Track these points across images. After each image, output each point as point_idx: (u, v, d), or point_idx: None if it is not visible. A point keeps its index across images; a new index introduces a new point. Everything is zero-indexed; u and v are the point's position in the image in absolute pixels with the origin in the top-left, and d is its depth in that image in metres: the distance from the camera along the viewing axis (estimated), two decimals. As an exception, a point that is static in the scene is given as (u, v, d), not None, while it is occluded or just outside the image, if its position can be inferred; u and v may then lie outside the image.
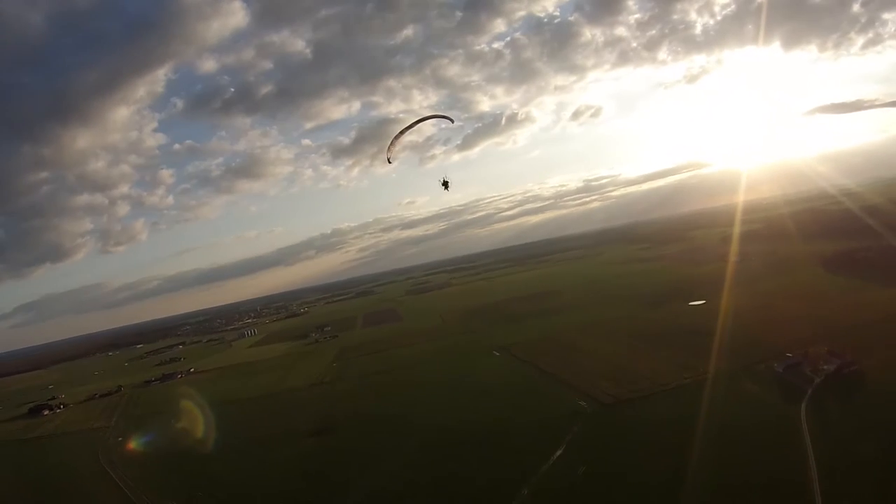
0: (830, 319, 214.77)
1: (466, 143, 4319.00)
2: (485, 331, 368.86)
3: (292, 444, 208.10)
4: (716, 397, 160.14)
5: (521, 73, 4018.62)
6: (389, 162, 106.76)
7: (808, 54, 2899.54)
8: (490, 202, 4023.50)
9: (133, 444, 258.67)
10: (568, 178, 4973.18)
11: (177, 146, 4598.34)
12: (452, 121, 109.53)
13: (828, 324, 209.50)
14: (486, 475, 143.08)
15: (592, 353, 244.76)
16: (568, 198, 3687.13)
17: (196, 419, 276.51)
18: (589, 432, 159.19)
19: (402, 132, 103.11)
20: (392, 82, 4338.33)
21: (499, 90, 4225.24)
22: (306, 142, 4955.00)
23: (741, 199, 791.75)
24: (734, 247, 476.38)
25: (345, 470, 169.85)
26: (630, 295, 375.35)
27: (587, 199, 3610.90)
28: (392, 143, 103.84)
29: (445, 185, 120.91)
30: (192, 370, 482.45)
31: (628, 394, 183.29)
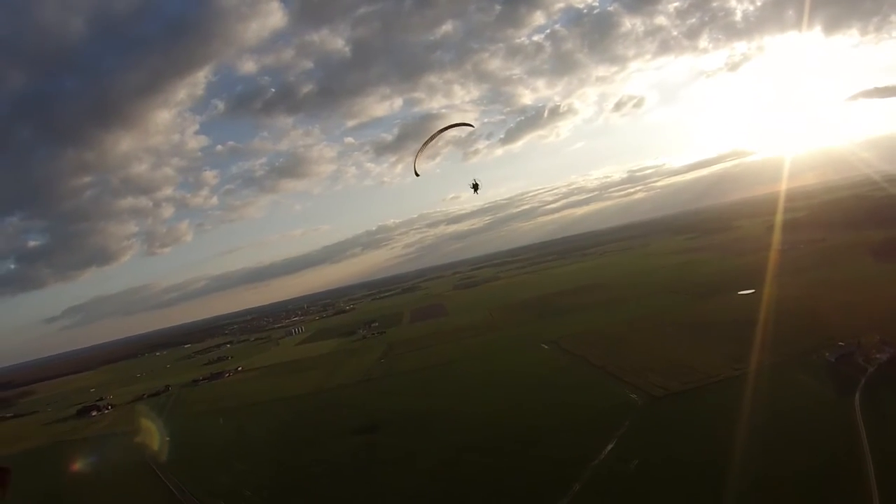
0: (881, 308, 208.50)
1: (509, 137, 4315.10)
2: (532, 324, 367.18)
3: (339, 441, 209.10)
4: (767, 388, 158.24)
5: (561, 65, 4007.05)
6: (417, 175, 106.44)
7: (850, 39, 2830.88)
8: (534, 195, 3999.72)
9: (178, 443, 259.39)
10: (612, 170, 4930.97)
11: (219, 147, 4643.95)
12: (473, 126, 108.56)
13: (879, 312, 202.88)
14: (536, 471, 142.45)
15: (641, 346, 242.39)
16: (612, 189, 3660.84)
17: (242, 418, 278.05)
18: (640, 425, 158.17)
19: (425, 144, 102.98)
20: (433, 78, 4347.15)
21: (540, 83, 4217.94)
22: (349, 140, 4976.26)
23: (784, 186, 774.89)
24: (777, 235, 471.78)
25: (389, 468, 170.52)
26: (677, 286, 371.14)
27: (632, 190, 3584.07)
28: (418, 155, 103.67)
29: (475, 187, 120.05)
30: (239, 368, 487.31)
31: (679, 386, 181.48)
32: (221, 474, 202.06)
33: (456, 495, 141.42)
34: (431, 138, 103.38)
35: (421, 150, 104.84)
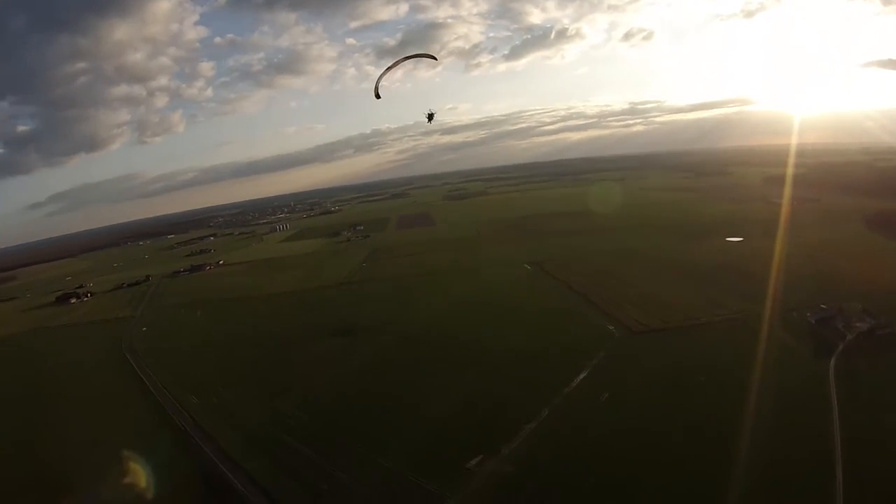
0: (867, 277, 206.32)
1: (514, 54, 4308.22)
2: (518, 243, 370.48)
3: (316, 342, 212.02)
4: (745, 339, 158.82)
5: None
6: (378, 97, 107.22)
7: (871, 6, 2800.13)
8: (532, 115, 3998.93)
9: (155, 334, 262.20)
10: (613, 99, 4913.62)
11: (218, 39, 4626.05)
12: (435, 58, 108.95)
13: (864, 281, 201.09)
14: (508, 392, 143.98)
15: (624, 279, 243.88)
16: (612, 118, 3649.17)
17: (221, 312, 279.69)
18: (616, 358, 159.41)
19: (388, 69, 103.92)
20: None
21: (550, 3, 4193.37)
22: (351, 41, 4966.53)
23: (791, 141, 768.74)
24: (776, 189, 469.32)
25: (364, 374, 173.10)
26: (667, 224, 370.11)
27: (631, 122, 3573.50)
28: (379, 79, 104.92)
29: (430, 117, 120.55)
30: (221, 262, 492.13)
31: (658, 324, 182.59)
32: (195, 367, 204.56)
33: (425, 408, 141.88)
34: (394, 65, 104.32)
35: (383, 74, 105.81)
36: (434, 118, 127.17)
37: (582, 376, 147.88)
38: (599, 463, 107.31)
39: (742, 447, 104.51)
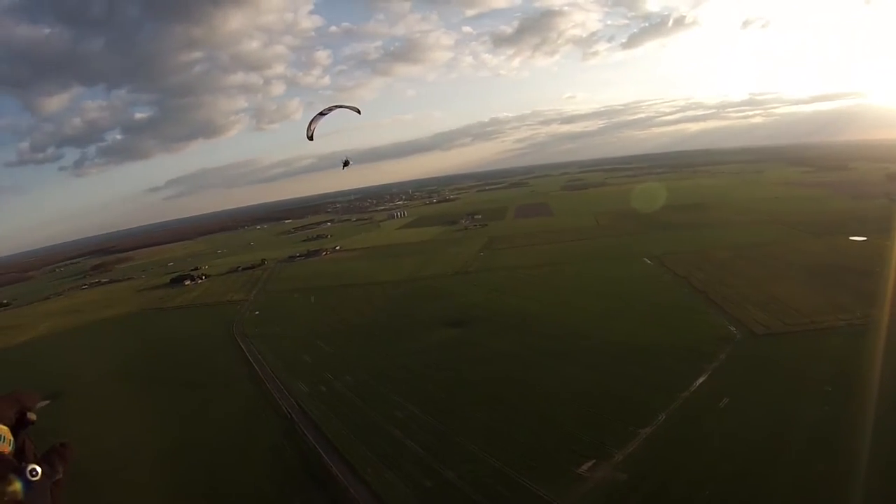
0: None
1: (631, 42, 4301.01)
2: (637, 236, 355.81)
3: (429, 331, 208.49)
4: (873, 346, 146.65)
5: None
6: (310, 139, 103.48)
7: None
8: (651, 105, 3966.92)
9: (267, 318, 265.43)
10: (732, 89, 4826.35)
11: (333, 28, 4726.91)
12: (359, 112, 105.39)
13: None
14: (624, 394, 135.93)
15: (745, 277, 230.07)
16: (731, 109, 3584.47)
17: (335, 298, 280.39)
18: (736, 361, 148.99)
19: (320, 114, 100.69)
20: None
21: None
22: (467, 29, 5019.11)
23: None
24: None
25: (476, 366, 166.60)
26: (788, 220, 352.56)
27: (750, 114, 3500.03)
28: (312, 123, 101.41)
29: (345, 164, 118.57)
30: (337, 248, 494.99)
31: (781, 326, 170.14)
32: (305, 353, 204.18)
33: (539, 405, 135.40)
34: (325, 112, 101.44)
35: (315, 119, 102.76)
36: (349, 165, 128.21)
37: (701, 379, 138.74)
38: (717, 474, 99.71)
39: (871, 463, 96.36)
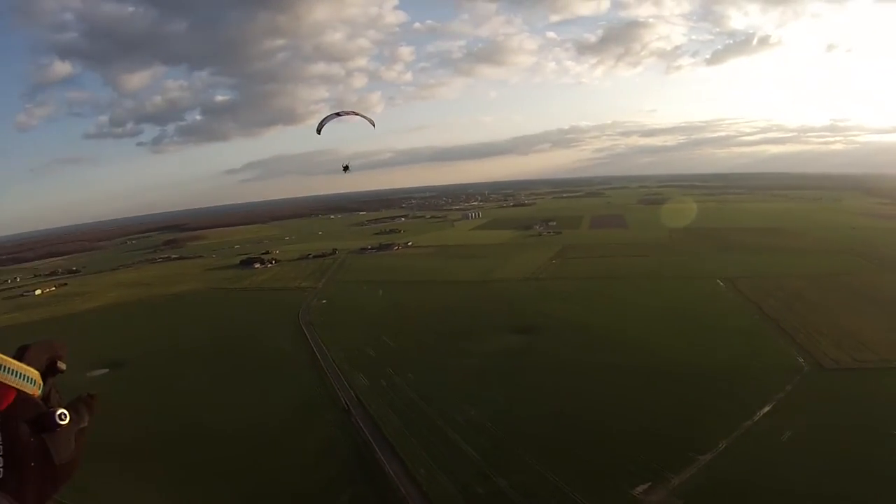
0: None
1: (715, 59, 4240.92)
2: (711, 256, 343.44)
3: (495, 336, 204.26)
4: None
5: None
6: (318, 133, 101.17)
7: None
8: (732, 124, 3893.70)
9: (333, 308, 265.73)
10: (813, 114, 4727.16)
11: (417, 25, 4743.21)
12: (374, 125, 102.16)
13: None
14: (685, 415, 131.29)
15: (818, 307, 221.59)
16: (811, 134, 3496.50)
17: (402, 293, 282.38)
18: (802, 394, 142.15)
19: (335, 114, 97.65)
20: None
21: (754, 7, 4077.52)
22: (551, 34, 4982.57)
23: None
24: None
25: (540, 376, 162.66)
26: (864, 251, 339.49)
27: (831, 140, 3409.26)
28: (325, 120, 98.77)
29: (345, 168, 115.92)
30: (409, 244, 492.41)
31: (851, 362, 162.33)
32: (369, 346, 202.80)
33: (599, 420, 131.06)
34: (342, 114, 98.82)
35: (329, 118, 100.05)
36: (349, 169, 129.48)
37: (765, 409, 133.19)
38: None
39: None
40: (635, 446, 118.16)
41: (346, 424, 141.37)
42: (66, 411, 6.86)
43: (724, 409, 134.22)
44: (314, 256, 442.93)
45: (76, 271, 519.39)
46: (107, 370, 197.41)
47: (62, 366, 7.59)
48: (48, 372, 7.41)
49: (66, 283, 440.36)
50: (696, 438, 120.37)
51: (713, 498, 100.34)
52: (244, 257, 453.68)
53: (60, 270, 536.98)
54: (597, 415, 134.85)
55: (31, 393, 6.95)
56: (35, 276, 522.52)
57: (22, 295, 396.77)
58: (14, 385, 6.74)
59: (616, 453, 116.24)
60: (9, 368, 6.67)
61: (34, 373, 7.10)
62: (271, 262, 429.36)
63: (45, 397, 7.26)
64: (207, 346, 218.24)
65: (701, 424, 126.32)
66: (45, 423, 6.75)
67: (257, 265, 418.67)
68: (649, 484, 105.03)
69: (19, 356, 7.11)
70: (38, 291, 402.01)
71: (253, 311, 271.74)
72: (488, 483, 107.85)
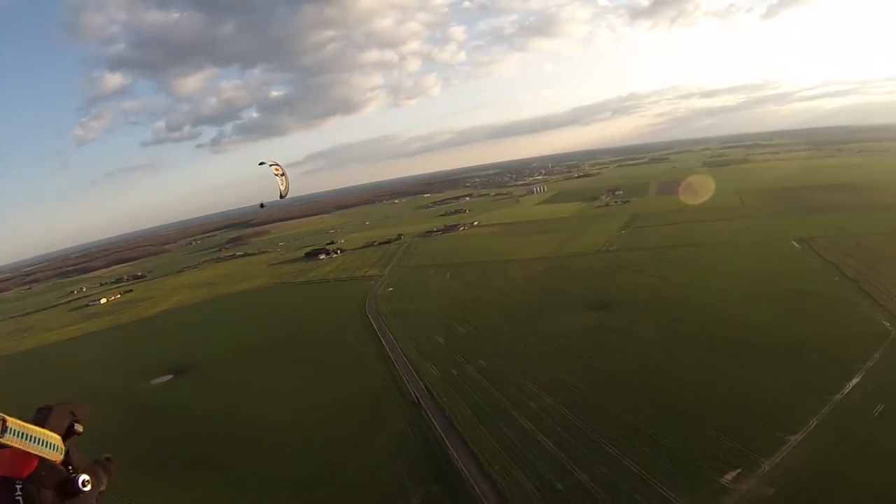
0: None
1: (770, 13, 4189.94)
2: (784, 217, 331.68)
3: (570, 314, 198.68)
4: None
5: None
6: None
7: None
8: (790, 79, 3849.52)
9: (401, 296, 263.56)
10: (874, 64, 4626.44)
11: (467, 3, 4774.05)
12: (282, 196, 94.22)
13: None
14: (771, 392, 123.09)
15: None
16: (873, 84, 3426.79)
17: (471, 275, 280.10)
18: (891, 363, 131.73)
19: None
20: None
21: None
22: (603, 2, 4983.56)
23: None
24: None
25: (620, 355, 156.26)
26: None
27: (894, 90, 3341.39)
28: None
29: (262, 206, 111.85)
30: (475, 223, 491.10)
31: None
32: (438, 334, 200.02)
33: (682, 402, 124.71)
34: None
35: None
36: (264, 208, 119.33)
37: (855, 381, 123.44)
38: (875, 494, 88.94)
39: None
40: (721, 429, 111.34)
41: (416, 419, 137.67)
42: (88, 477, 7.30)
43: (811, 381, 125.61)
44: (380, 243, 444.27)
45: (141, 276, 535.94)
46: (171, 376, 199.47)
47: (79, 428, 7.89)
48: (67, 434, 7.68)
49: (131, 290, 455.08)
50: (785, 416, 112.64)
51: (805, 486, 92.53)
52: (309, 249, 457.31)
53: (126, 277, 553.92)
54: (680, 394, 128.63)
55: (54, 459, 7.28)
56: (101, 284, 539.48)
57: (87, 305, 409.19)
58: (37, 453, 7.07)
59: (701, 438, 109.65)
60: (32, 437, 6.97)
61: (56, 438, 7.41)
62: (336, 252, 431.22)
63: (66, 461, 7.49)
64: (271, 344, 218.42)
65: (788, 401, 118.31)
66: (69, 489, 7.21)
67: (322, 256, 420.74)
68: (738, 471, 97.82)
69: (41, 419, 7.55)
70: (103, 300, 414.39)
71: (318, 305, 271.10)
72: (567, 477, 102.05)
